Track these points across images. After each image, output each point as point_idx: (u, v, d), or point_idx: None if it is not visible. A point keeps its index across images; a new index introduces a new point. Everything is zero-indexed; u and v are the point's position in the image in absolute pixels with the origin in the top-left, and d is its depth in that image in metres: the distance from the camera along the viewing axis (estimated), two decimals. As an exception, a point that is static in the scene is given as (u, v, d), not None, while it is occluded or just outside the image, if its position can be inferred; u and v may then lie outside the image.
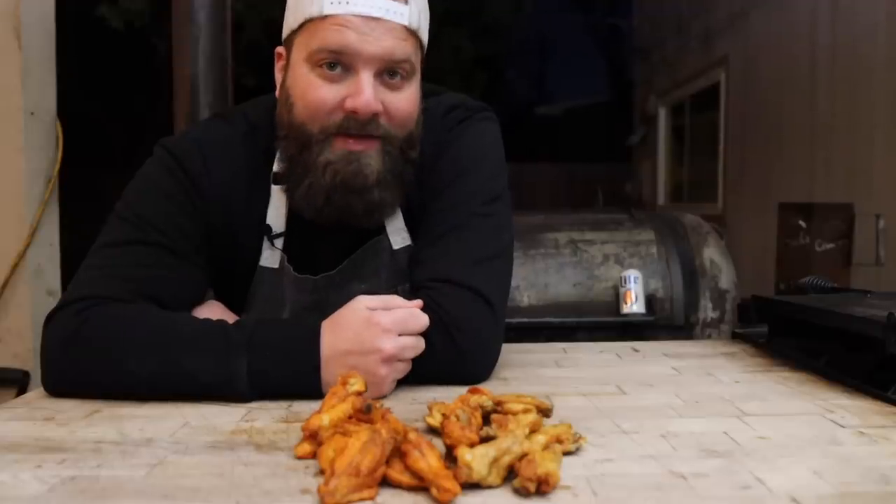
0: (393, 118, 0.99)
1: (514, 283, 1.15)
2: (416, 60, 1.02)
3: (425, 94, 1.11)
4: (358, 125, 0.97)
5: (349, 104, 0.96)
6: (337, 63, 0.97)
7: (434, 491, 0.57)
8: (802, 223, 3.07)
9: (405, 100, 1.01)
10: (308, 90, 0.98)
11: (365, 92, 0.96)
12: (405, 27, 0.98)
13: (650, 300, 2.21)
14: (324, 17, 0.96)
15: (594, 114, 12.97)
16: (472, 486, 0.59)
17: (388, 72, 0.98)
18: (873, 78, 4.05)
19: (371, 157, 0.99)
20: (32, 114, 2.44)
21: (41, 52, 2.50)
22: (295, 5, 1.01)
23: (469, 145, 1.09)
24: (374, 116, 0.97)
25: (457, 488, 0.57)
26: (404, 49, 0.98)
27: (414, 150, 1.04)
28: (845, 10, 4.44)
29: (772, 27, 5.46)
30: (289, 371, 0.87)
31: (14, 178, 2.41)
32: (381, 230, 1.09)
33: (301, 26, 0.99)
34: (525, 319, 2.19)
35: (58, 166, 2.52)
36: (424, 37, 1.04)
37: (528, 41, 14.61)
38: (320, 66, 0.97)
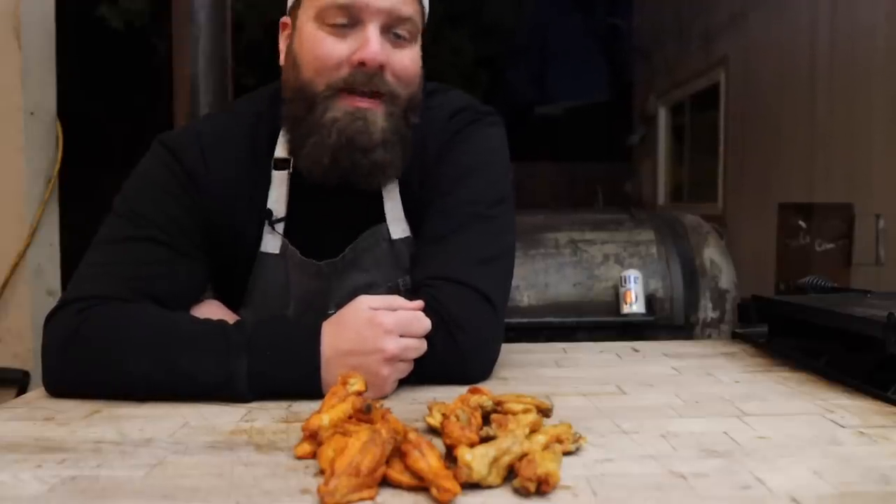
0: (398, 75, 1.01)
1: (514, 283, 1.15)
2: (419, 24, 1.04)
3: (432, 92, 1.11)
4: (365, 79, 0.98)
5: (357, 56, 0.97)
6: (345, 19, 0.98)
7: (434, 491, 0.57)
8: (802, 223, 3.07)
9: (409, 58, 1.02)
10: (316, 46, 0.99)
11: (372, 43, 0.97)
12: None
13: (650, 300, 2.21)
14: None
15: (594, 114, 12.96)
16: (472, 486, 0.59)
17: (393, 31, 1.00)
18: (873, 78, 4.04)
19: (376, 115, 1.00)
20: (32, 114, 2.44)
21: (41, 52, 2.50)
22: None
23: (476, 148, 1.09)
24: (381, 70, 0.99)
25: (457, 488, 0.57)
26: (409, 7, 1.00)
27: (415, 114, 1.05)
28: (845, 11, 4.44)
29: (771, 28, 5.46)
30: (289, 371, 0.87)
31: (14, 178, 2.41)
32: (381, 218, 1.09)
33: None
34: (525, 319, 2.19)
35: (58, 166, 2.52)
36: (426, 3, 1.06)
37: (528, 41, 14.62)
38: (328, 23, 0.99)
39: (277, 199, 1.07)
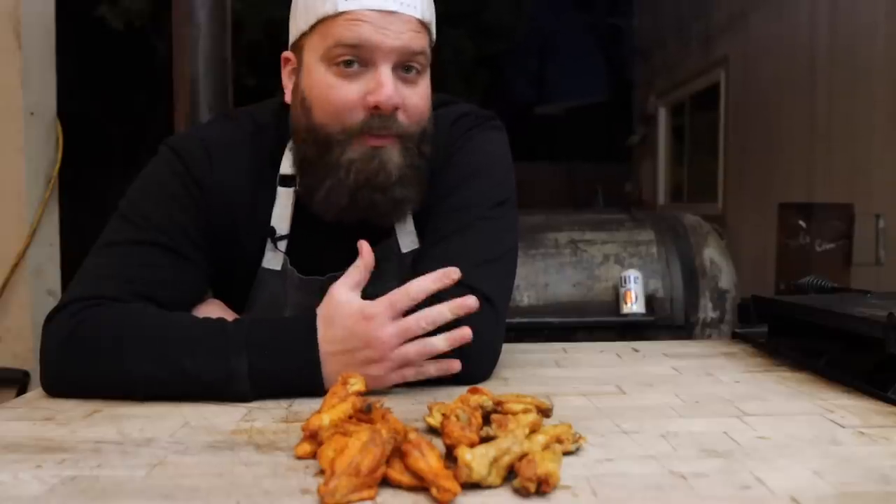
0: (409, 114, 1.00)
1: (514, 282, 1.15)
2: (429, 53, 1.03)
3: (437, 105, 1.11)
4: (380, 121, 0.97)
5: (371, 99, 0.96)
6: (354, 60, 0.96)
7: (434, 491, 0.57)
8: (802, 223, 3.07)
9: (420, 95, 1.01)
10: (327, 91, 0.98)
11: (386, 86, 0.96)
12: (419, 20, 0.99)
13: (650, 300, 2.21)
14: (338, 14, 0.96)
15: (594, 114, 12.97)
16: (472, 486, 0.59)
17: (403, 67, 0.99)
18: (873, 78, 4.04)
19: (392, 152, 0.99)
20: (32, 114, 2.45)
21: (41, 52, 2.50)
22: (305, 7, 1.00)
23: (477, 151, 1.09)
24: (395, 111, 0.98)
25: (457, 488, 0.57)
26: (419, 42, 0.99)
27: (427, 145, 1.04)
28: (845, 10, 4.44)
29: (771, 27, 5.46)
30: (289, 366, 0.87)
31: (14, 178, 2.41)
32: (391, 232, 1.09)
33: (313, 27, 0.99)
34: (525, 319, 2.19)
35: (58, 166, 2.53)
36: (433, 32, 1.05)
37: (528, 41, 14.61)
38: (337, 64, 0.97)
39: (281, 216, 1.07)
